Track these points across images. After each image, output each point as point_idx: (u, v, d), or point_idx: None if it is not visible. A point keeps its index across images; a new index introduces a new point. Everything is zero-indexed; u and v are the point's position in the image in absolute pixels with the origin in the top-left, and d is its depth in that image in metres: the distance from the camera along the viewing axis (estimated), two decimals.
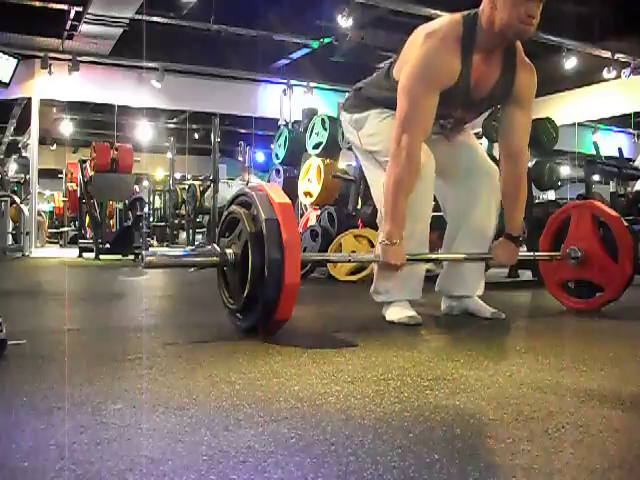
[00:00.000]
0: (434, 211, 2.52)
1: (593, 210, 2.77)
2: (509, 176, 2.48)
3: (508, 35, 2.24)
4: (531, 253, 2.98)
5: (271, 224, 1.92)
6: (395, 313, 2.40)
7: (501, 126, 2.52)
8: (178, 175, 13.64)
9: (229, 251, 2.07)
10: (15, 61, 8.86)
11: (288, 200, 2.03)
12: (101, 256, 7.20)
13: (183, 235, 12.59)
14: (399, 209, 2.24)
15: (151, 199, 14.45)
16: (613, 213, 2.77)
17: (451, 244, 2.61)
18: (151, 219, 13.14)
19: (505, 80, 2.35)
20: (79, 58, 9.49)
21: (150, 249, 8.69)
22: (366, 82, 2.63)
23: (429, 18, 2.55)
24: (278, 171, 6.26)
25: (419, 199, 2.32)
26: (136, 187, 9.90)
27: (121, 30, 8.83)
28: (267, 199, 1.99)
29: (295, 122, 9.75)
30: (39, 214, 10.74)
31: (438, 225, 2.71)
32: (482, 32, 2.24)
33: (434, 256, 2.64)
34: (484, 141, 5.03)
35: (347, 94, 2.77)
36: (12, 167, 13.50)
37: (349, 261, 3.19)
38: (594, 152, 5.87)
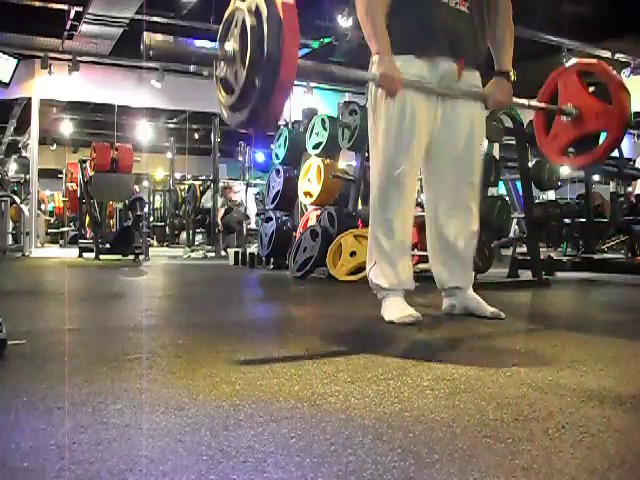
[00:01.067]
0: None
1: (578, 68, 2.78)
2: (497, 22, 2.53)
3: None
4: (526, 101, 2.87)
5: (273, 18, 1.91)
6: (393, 312, 2.40)
7: None
8: (178, 175, 13.65)
9: (228, 45, 2.06)
10: (15, 61, 8.87)
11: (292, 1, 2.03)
12: (101, 256, 7.20)
13: (183, 235, 12.58)
14: (378, 27, 2.33)
15: (151, 199, 14.46)
16: (594, 61, 2.83)
17: (439, 228, 2.58)
18: (151, 219, 13.14)
19: None
20: (79, 58, 9.49)
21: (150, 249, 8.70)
22: None
23: None
24: (278, 171, 6.25)
25: (401, 212, 2.38)
26: (136, 187, 9.91)
27: (121, 30, 8.83)
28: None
29: (295, 122, 9.74)
30: (39, 208, 10.72)
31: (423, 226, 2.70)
32: None
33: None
34: (484, 141, 5.03)
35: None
36: (12, 167, 13.51)
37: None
38: None
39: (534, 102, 2.82)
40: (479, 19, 2.47)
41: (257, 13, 1.97)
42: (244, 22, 1.99)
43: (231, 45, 2.05)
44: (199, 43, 2.28)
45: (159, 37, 2.08)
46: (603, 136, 2.75)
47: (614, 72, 2.72)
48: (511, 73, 2.56)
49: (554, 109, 2.73)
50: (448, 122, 2.47)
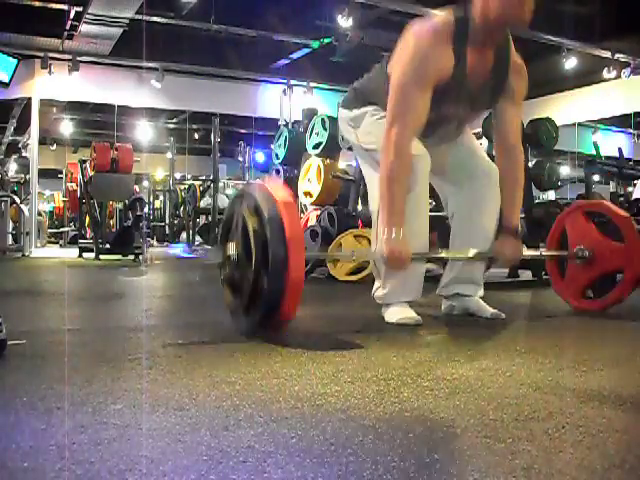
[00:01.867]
0: (434, 211, 2.52)
1: (583, 209, 2.78)
2: (507, 170, 2.50)
3: (507, 21, 2.25)
4: (537, 252, 2.91)
5: (274, 221, 1.90)
6: (395, 314, 2.39)
7: (495, 122, 2.52)
8: (178, 175, 13.64)
9: (231, 249, 2.06)
10: (15, 61, 8.86)
11: (290, 199, 2.01)
12: (101, 256, 7.19)
13: (183, 235, 12.59)
14: (396, 201, 2.24)
15: (151, 199, 14.46)
16: (600, 201, 2.79)
17: (455, 246, 2.60)
18: (151, 219, 13.14)
19: (499, 74, 2.36)
20: (79, 58, 9.48)
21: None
22: (362, 81, 2.64)
23: None
24: (278, 171, 6.26)
25: (414, 196, 2.32)
26: (136, 187, 9.90)
27: (121, 30, 8.82)
28: (269, 196, 1.97)
29: (295, 122, 9.74)
30: (39, 214, 10.73)
31: (436, 225, 2.71)
32: (474, 25, 2.26)
33: (439, 255, 2.63)
34: (484, 141, 5.03)
35: (346, 93, 2.78)
36: (12, 167, 13.50)
37: (353, 260, 3.08)
38: (594, 152, 5.86)
39: (546, 251, 2.84)
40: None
41: (259, 215, 1.96)
42: (245, 225, 1.99)
43: (234, 249, 2.05)
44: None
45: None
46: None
47: (619, 210, 2.71)
48: (518, 228, 2.52)
49: (566, 256, 2.72)
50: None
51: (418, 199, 2.36)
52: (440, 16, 2.31)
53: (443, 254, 2.64)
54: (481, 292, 2.61)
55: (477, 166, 2.57)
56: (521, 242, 2.54)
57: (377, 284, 2.51)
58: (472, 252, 2.46)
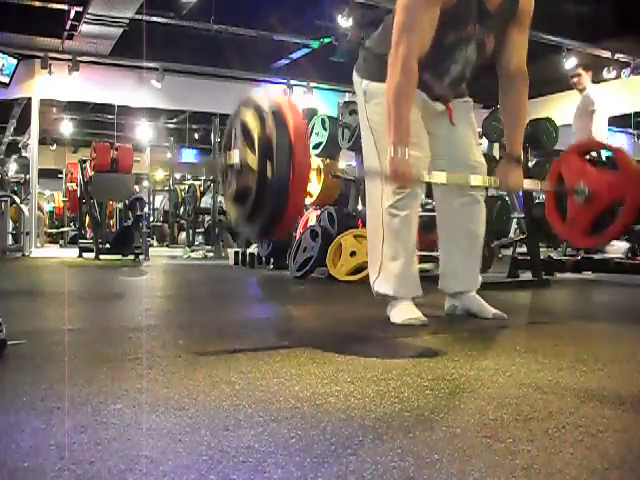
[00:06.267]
0: (433, 211, 2.51)
1: (576, 150, 2.77)
2: (510, 95, 2.49)
3: None
4: (538, 182, 2.85)
5: (278, 117, 1.88)
6: (401, 315, 2.39)
7: (500, 50, 2.48)
8: (178, 175, 13.64)
9: (235, 156, 2.01)
10: (15, 61, 8.86)
11: (292, 102, 2.01)
12: (101, 256, 7.19)
13: (183, 235, 12.58)
14: (402, 118, 2.23)
15: (151, 199, 14.45)
16: (589, 140, 2.79)
17: (443, 242, 2.61)
18: (151, 219, 13.13)
19: None
20: (79, 58, 9.48)
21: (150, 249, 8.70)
22: (375, 36, 2.61)
23: None
24: None
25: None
26: (136, 187, 9.90)
27: (121, 30, 8.82)
28: (271, 101, 1.96)
29: None
30: (39, 209, 10.71)
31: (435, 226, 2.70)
32: None
33: (438, 179, 2.54)
34: (484, 141, 5.03)
35: (360, 51, 2.74)
36: (12, 167, 13.50)
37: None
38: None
39: (544, 185, 2.80)
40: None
41: (263, 123, 1.92)
42: (251, 133, 1.95)
43: (238, 156, 2.01)
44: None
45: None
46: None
47: (610, 143, 2.72)
48: (521, 157, 2.51)
49: (565, 190, 2.70)
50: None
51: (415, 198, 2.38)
52: None
53: (440, 178, 2.56)
54: (475, 285, 2.61)
55: (466, 157, 2.53)
56: (522, 171, 2.52)
57: (373, 275, 2.50)
58: (474, 178, 2.42)
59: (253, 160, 1.93)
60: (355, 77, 2.62)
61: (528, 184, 2.64)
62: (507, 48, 2.46)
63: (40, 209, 11.02)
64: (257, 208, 1.96)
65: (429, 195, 2.99)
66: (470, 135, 2.61)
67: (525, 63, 2.49)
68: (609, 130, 12.23)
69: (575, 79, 5.62)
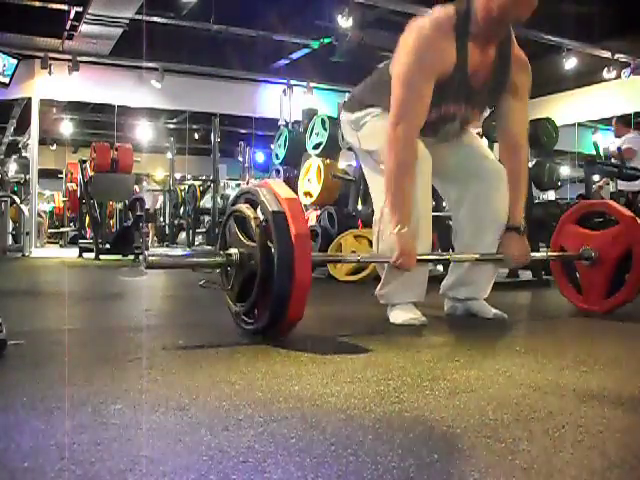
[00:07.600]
0: (434, 212, 2.51)
1: (570, 219, 2.77)
2: (510, 168, 2.48)
3: (508, 17, 2.23)
4: (544, 253, 2.86)
5: (279, 218, 1.84)
6: (400, 315, 2.39)
7: (499, 119, 2.51)
8: (178, 175, 13.63)
9: (233, 251, 2.01)
10: (15, 61, 8.86)
11: (294, 195, 1.97)
12: (101, 256, 7.19)
13: (183, 235, 12.58)
14: (404, 194, 2.22)
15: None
16: (581, 203, 2.82)
17: (467, 248, 2.55)
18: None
19: (501, 70, 2.35)
20: (79, 58, 9.48)
21: (151, 249, 8.70)
22: (363, 85, 2.63)
23: None
24: (278, 171, 6.26)
25: (418, 197, 2.30)
26: (136, 187, 9.89)
27: (121, 30, 8.83)
28: (273, 194, 1.92)
29: (295, 122, 9.74)
30: (39, 215, 10.72)
31: (437, 226, 2.70)
32: (476, 21, 2.25)
33: (447, 256, 2.60)
34: (484, 141, 5.03)
35: (347, 95, 2.77)
36: (12, 167, 13.49)
37: (358, 261, 2.96)
38: (594, 152, 5.84)
39: (551, 254, 2.78)
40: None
41: (262, 214, 1.91)
42: (249, 228, 1.95)
43: (237, 251, 2.00)
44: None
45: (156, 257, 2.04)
46: None
47: (602, 200, 2.73)
48: (523, 226, 2.48)
49: (573, 257, 2.67)
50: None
51: (421, 202, 2.34)
52: (442, 9, 2.29)
53: (449, 257, 2.61)
54: (485, 294, 2.59)
55: (481, 167, 2.53)
56: (526, 240, 2.50)
57: (381, 284, 2.49)
58: (478, 255, 2.44)
59: (254, 261, 1.92)
60: (343, 116, 2.65)
61: (535, 255, 2.63)
62: (506, 121, 2.48)
63: (40, 215, 11.01)
64: (258, 306, 1.96)
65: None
66: (479, 145, 2.64)
67: (526, 133, 2.51)
68: (609, 130, 12.25)
69: None
